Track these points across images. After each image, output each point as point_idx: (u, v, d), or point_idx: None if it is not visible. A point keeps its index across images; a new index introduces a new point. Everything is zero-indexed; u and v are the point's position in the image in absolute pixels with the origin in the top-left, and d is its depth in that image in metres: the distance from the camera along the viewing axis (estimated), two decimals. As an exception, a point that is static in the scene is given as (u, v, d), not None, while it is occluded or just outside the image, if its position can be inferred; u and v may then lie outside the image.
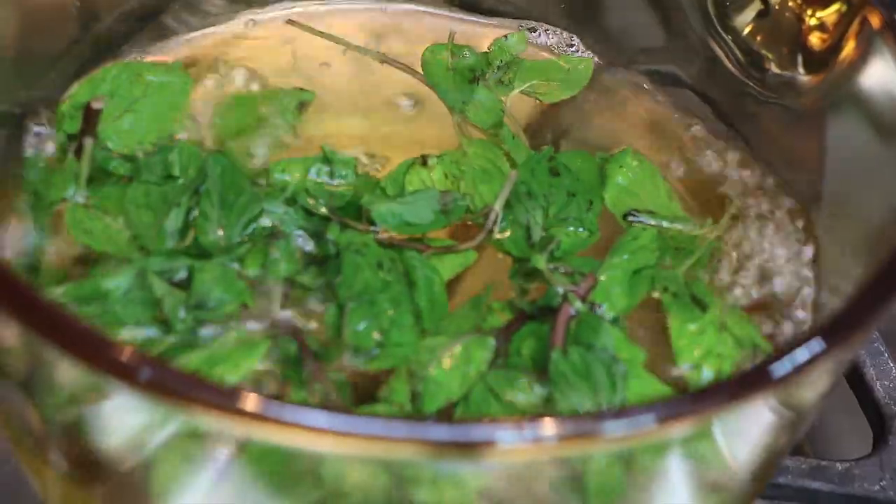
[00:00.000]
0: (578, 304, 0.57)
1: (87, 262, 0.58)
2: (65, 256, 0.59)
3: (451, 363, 0.54)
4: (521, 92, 0.70)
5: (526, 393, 0.54)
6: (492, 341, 0.56)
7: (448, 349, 0.55)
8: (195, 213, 0.59)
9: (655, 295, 0.60)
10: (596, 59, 0.73)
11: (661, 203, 0.64)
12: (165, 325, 0.55)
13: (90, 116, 0.61)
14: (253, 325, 0.56)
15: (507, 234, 0.62)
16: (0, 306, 0.42)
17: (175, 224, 0.59)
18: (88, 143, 0.61)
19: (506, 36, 0.73)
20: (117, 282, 0.55)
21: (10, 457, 0.54)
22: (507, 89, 0.70)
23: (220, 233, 0.59)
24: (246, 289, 0.57)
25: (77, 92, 0.65)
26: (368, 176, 0.64)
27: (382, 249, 0.59)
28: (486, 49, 0.72)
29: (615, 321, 0.58)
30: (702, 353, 0.57)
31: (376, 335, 0.56)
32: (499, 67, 0.71)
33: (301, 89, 0.69)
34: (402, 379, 0.54)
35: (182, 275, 0.57)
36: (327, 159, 0.62)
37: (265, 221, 0.59)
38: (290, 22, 0.73)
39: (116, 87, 0.65)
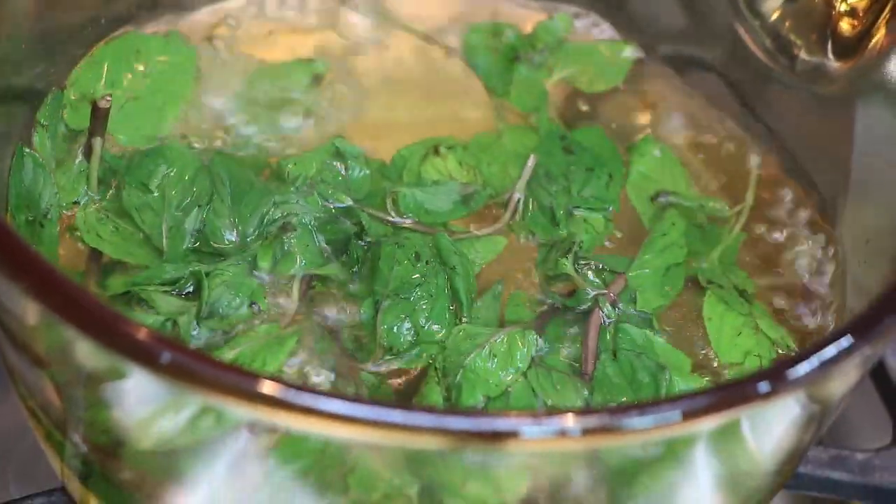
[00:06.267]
0: (609, 309, 0.57)
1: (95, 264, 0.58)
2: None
3: (494, 355, 0.54)
4: (561, 79, 0.69)
5: (571, 397, 0.54)
6: (534, 336, 0.55)
7: (489, 340, 0.55)
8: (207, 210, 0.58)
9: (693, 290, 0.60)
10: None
11: (680, 189, 0.64)
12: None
13: (98, 116, 0.59)
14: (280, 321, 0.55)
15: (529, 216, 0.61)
16: (21, 286, 0.42)
17: (194, 224, 0.58)
18: (98, 143, 0.59)
19: (551, 16, 0.72)
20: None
21: (28, 433, 0.54)
22: (548, 74, 0.69)
23: (234, 231, 0.58)
24: (259, 288, 0.56)
25: (78, 77, 0.63)
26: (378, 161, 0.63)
27: (421, 238, 0.58)
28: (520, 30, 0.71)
29: (648, 321, 0.57)
30: (742, 354, 0.57)
31: (410, 336, 0.55)
32: (541, 50, 0.70)
33: (310, 60, 0.68)
34: (434, 383, 0.54)
35: (191, 287, 0.56)
36: (339, 153, 0.61)
37: (278, 214, 0.58)
38: None
39: (116, 72, 0.63)
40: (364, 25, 0.71)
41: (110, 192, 0.59)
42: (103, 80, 0.63)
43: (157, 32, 0.66)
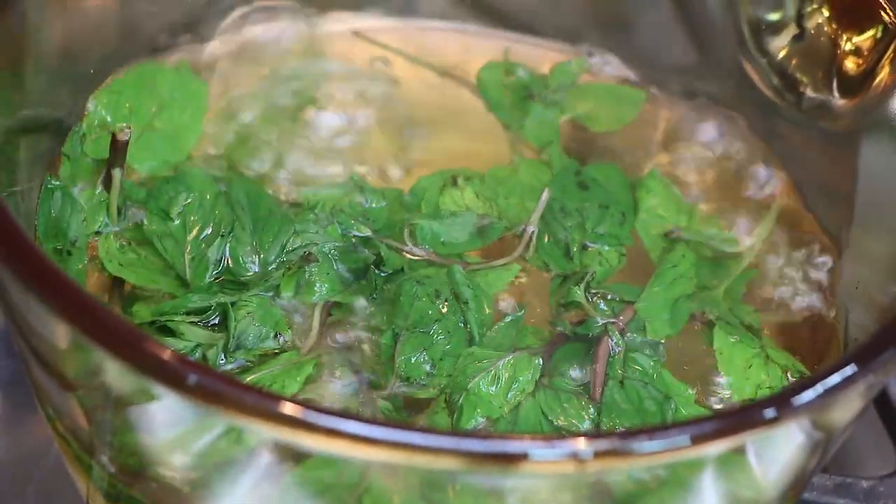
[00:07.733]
0: (618, 337, 0.58)
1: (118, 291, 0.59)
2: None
3: (497, 379, 0.55)
4: (571, 117, 0.71)
5: (578, 417, 0.55)
6: (538, 362, 0.56)
7: (495, 364, 0.56)
8: (229, 239, 0.59)
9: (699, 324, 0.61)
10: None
11: (683, 223, 0.65)
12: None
13: (117, 147, 0.60)
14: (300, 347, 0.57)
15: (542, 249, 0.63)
16: (51, 308, 0.43)
17: (217, 254, 0.59)
18: (117, 174, 0.60)
19: (570, 60, 0.73)
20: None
21: (50, 454, 0.55)
22: (561, 112, 0.71)
23: (256, 259, 0.59)
24: (283, 318, 0.57)
25: (96, 106, 0.63)
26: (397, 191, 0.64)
27: (442, 278, 0.59)
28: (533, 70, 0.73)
29: (656, 351, 0.58)
30: (754, 387, 0.58)
31: (427, 367, 0.56)
32: (555, 90, 0.71)
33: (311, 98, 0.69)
34: (444, 412, 0.55)
35: (217, 318, 0.57)
36: (359, 188, 0.63)
37: (298, 242, 0.59)
38: (356, 34, 0.74)
39: (133, 103, 0.64)
40: (379, 59, 0.73)
41: (131, 221, 0.60)
42: (120, 110, 0.64)
43: (173, 62, 0.68)
